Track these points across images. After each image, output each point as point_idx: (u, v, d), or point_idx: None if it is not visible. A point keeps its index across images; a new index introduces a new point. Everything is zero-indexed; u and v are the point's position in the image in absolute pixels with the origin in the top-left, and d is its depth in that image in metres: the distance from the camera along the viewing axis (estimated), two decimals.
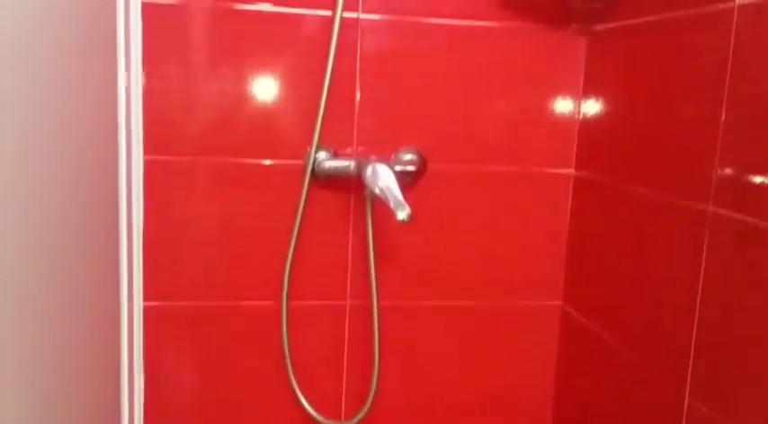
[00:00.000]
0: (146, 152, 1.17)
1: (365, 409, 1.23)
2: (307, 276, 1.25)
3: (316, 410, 1.26)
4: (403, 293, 1.29)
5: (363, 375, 1.29)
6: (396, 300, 1.28)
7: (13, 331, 0.71)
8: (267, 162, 1.21)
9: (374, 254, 1.20)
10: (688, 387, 0.93)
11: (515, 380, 1.35)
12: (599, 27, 1.21)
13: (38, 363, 0.80)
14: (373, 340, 1.21)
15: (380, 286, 1.22)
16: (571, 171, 1.29)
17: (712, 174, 0.89)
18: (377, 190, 1.11)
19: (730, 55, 0.86)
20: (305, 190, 1.19)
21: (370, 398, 1.22)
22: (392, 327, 1.27)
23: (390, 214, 1.16)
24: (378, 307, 1.21)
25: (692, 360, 0.93)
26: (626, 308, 1.10)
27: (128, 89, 1.13)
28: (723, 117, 0.88)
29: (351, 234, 1.25)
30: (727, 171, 0.87)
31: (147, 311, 1.21)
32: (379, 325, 1.21)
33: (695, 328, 0.92)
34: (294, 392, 1.26)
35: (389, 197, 1.09)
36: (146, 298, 1.21)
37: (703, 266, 0.91)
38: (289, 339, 1.24)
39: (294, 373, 1.25)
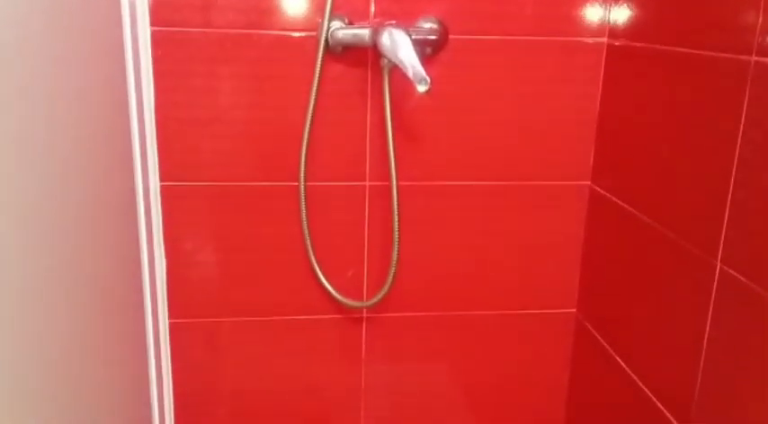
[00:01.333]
0: (152, 24, 1.12)
1: (384, 290, 1.21)
2: (325, 155, 1.21)
3: (336, 290, 1.25)
4: (423, 173, 1.24)
5: (384, 256, 1.27)
6: (416, 180, 1.24)
7: (29, 218, 0.70)
8: (281, 33, 1.15)
9: (392, 132, 1.15)
10: (720, 253, 0.88)
11: (539, 260, 1.31)
12: None
13: (54, 247, 0.78)
14: (393, 221, 1.18)
15: (399, 165, 1.18)
16: (603, 39, 1.20)
17: (756, 24, 0.81)
18: (393, 58, 1.05)
19: None
20: (319, 63, 1.14)
21: (390, 279, 1.20)
22: (412, 208, 1.24)
23: (409, 89, 1.10)
24: (397, 188, 1.17)
25: (725, 225, 0.87)
26: (656, 180, 1.04)
27: None
28: None
29: (369, 112, 1.20)
30: None
31: (163, 191, 1.20)
32: (398, 206, 1.18)
33: (731, 190, 0.86)
34: (315, 272, 1.24)
35: (407, 65, 1.03)
36: (162, 178, 1.19)
37: (743, 121, 0.84)
38: (308, 220, 1.22)
39: (314, 254, 1.23)
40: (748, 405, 0.83)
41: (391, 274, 1.20)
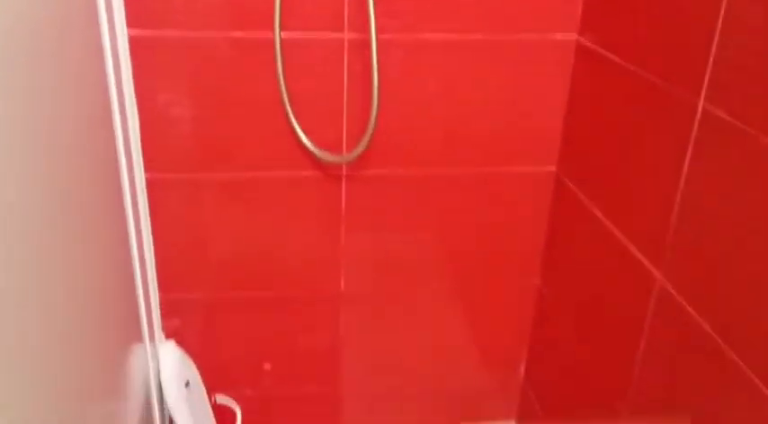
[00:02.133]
0: None
1: (363, 144, 1.19)
2: (301, 3, 1.15)
3: (315, 144, 1.23)
4: (404, 24, 1.19)
5: (364, 112, 1.24)
6: (396, 32, 1.19)
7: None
8: None
9: None
10: (704, 92, 0.86)
11: (521, 118, 1.29)
12: None
13: (24, 102, 0.74)
14: (372, 73, 1.14)
15: (378, 15, 1.13)
16: None
17: None
18: None
19: None
20: None
21: (369, 133, 1.18)
22: (393, 61, 1.20)
23: None
24: (376, 39, 1.13)
25: (711, 63, 0.85)
26: (645, 27, 1.01)
27: None
28: None
29: None
30: None
31: (132, 40, 1.14)
32: (377, 57, 1.14)
33: (719, 27, 0.83)
34: (293, 128, 1.22)
35: None
36: (129, 24, 1.13)
37: None
38: (284, 73, 1.18)
39: (292, 108, 1.20)
40: (723, 242, 0.85)
41: (370, 128, 1.17)
